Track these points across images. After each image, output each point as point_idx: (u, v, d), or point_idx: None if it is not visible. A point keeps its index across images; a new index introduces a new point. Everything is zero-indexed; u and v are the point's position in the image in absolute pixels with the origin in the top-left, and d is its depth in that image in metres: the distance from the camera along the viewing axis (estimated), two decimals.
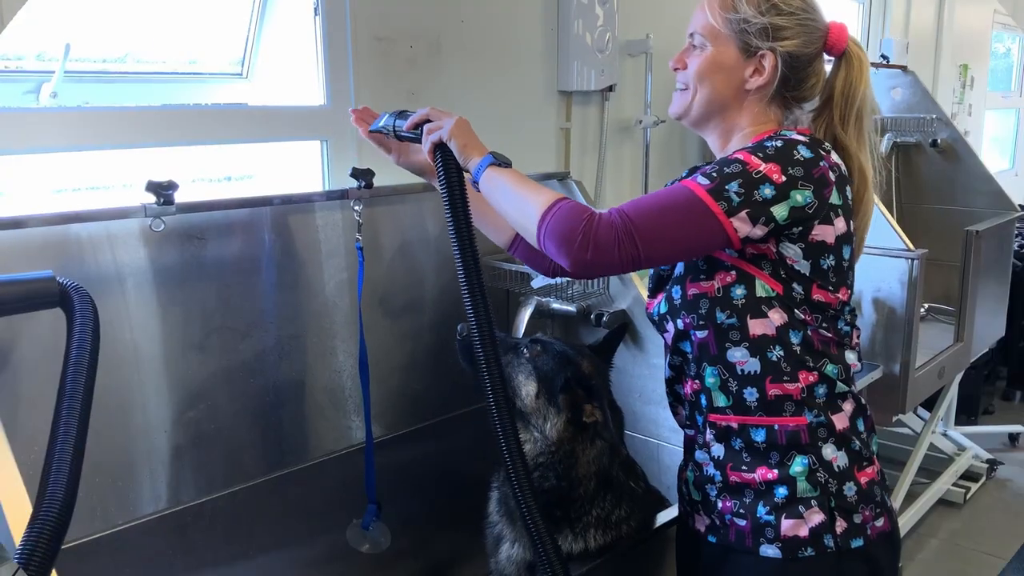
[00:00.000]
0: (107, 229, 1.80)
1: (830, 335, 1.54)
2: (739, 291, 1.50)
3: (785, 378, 1.52)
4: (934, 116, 4.56)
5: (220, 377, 2.01)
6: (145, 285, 1.87)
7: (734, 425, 1.56)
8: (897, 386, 3.23)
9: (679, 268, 1.59)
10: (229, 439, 2.03)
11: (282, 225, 2.07)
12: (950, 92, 6.23)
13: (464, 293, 1.51)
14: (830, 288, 1.52)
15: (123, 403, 1.86)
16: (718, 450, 1.59)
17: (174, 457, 1.95)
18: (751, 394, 1.53)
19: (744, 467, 1.56)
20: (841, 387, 1.56)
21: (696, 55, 1.58)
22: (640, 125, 3.42)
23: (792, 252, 1.47)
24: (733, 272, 1.50)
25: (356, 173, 2.13)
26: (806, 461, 1.52)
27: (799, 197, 1.43)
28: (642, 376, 2.39)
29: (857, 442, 1.57)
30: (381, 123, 1.71)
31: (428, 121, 1.60)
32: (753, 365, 1.52)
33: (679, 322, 1.58)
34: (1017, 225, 4.35)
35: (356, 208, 2.10)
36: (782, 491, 1.52)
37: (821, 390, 1.54)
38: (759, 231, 1.42)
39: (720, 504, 1.60)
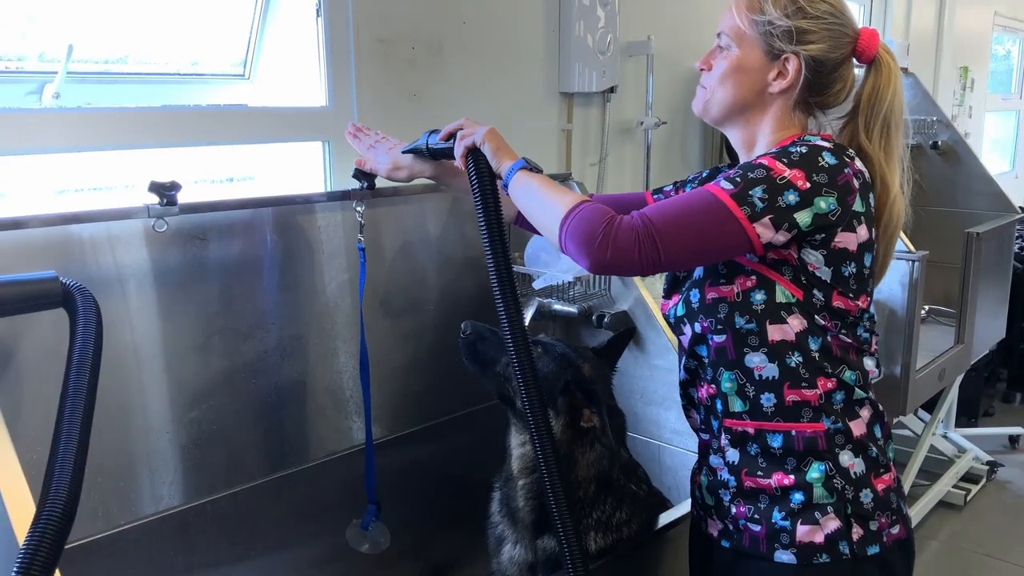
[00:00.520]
0: (109, 230, 1.79)
1: (849, 341, 1.53)
2: (759, 296, 1.49)
3: (803, 384, 1.51)
4: (934, 118, 4.56)
5: (222, 378, 2.01)
6: (147, 286, 1.87)
7: (750, 430, 1.55)
8: (898, 388, 3.23)
9: (698, 271, 1.58)
10: (231, 439, 2.03)
11: (284, 226, 2.08)
12: (950, 94, 6.24)
13: (496, 295, 1.53)
14: (850, 295, 1.51)
15: (125, 403, 1.86)
16: (733, 455, 1.59)
17: (176, 457, 1.95)
18: (768, 400, 1.52)
19: (760, 472, 1.55)
20: (859, 393, 1.55)
21: (722, 56, 1.57)
22: (641, 127, 3.42)
23: (814, 259, 1.46)
24: (753, 277, 1.49)
25: (358, 174, 2.13)
26: (823, 467, 1.52)
27: (823, 204, 1.42)
28: (643, 377, 2.39)
29: (874, 449, 1.56)
30: (416, 143, 1.76)
31: (461, 129, 1.63)
32: (771, 371, 1.51)
33: (696, 326, 1.57)
34: (1017, 227, 4.35)
35: (358, 209, 2.10)
36: (798, 497, 1.52)
37: (839, 396, 1.53)
38: (782, 237, 1.42)
39: (734, 509, 1.59)
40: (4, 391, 1.67)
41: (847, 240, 1.47)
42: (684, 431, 2.31)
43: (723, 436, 1.59)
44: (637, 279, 2.37)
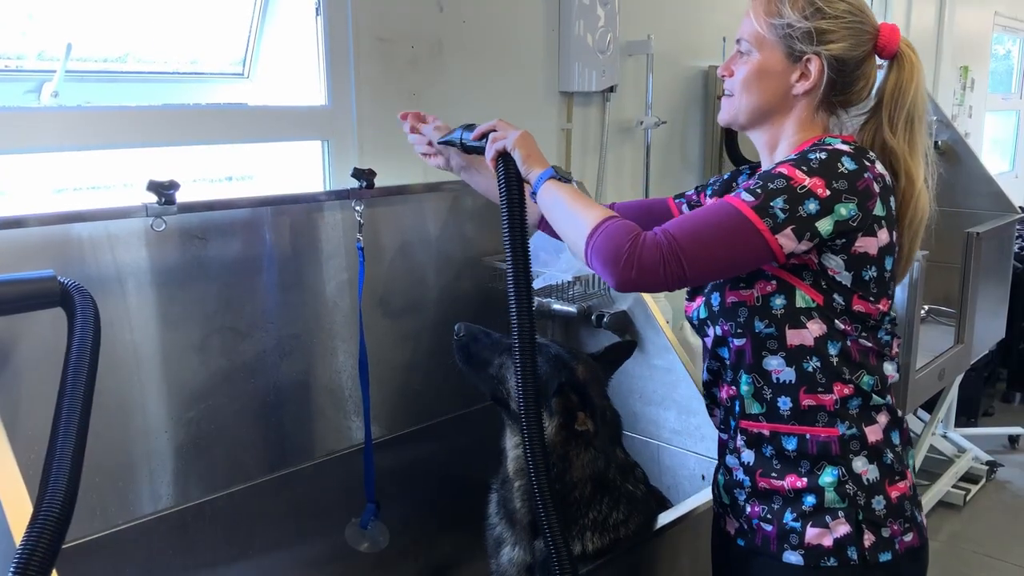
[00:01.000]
0: (108, 229, 1.79)
1: (870, 345, 1.54)
2: (779, 301, 1.49)
3: (820, 389, 1.51)
4: (934, 118, 4.54)
5: (220, 377, 2.00)
6: (146, 285, 1.87)
7: (765, 432, 1.56)
8: (897, 387, 3.21)
9: None
10: (229, 439, 2.03)
11: (283, 225, 2.07)
12: (950, 94, 6.24)
13: (511, 301, 1.54)
14: (871, 299, 1.51)
15: (124, 403, 1.86)
16: (748, 456, 1.59)
17: (174, 457, 1.95)
18: (785, 403, 1.53)
19: (774, 474, 1.56)
20: (876, 399, 1.55)
21: (743, 62, 1.57)
22: (641, 126, 3.42)
23: (834, 263, 1.46)
24: (774, 282, 1.49)
25: (357, 173, 2.13)
26: (836, 472, 1.52)
27: (843, 211, 1.42)
28: (642, 377, 2.39)
29: (890, 455, 1.56)
30: (451, 136, 1.76)
31: (494, 131, 1.64)
32: (789, 375, 1.52)
33: (717, 328, 1.58)
34: (1017, 227, 4.34)
35: (357, 208, 2.10)
36: (810, 500, 1.52)
37: (855, 402, 1.53)
38: (804, 246, 1.42)
39: (748, 509, 1.60)
40: (2, 390, 1.67)
41: (868, 244, 1.46)
42: (683, 431, 2.31)
43: (739, 437, 1.60)
44: None
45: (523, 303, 1.55)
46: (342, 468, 2.21)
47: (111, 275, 1.81)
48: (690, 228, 1.41)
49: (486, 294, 2.49)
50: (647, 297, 2.34)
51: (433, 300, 2.42)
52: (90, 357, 1.23)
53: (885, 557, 1.52)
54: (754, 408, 1.56)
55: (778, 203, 1.40)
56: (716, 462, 1.74)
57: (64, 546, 1.10)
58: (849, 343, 1.51)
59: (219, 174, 2.28)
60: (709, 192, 1.80)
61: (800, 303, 1.49)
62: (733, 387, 1.59)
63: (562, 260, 2.31)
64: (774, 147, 1.60)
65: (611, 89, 3.19)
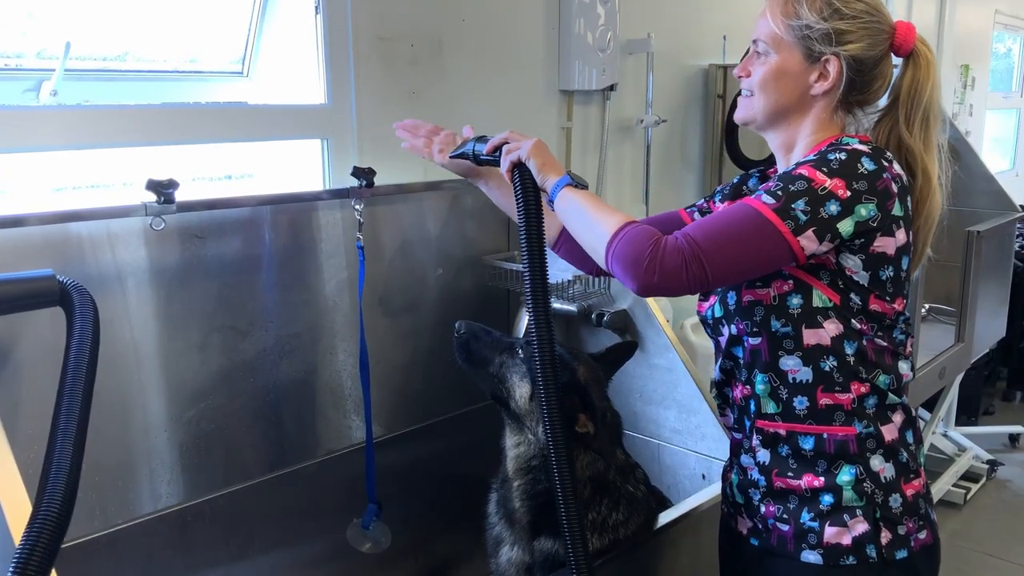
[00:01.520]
0: (107, 228, 1.80)
1: (885, 344, 1.54)
2: (795, 300, 1.49)
3: (837, 388, 1.51)
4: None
5: (220, 376, 2.00)
6: (145, 284, 1.87)
7: (782, 432, 1.56)
8: None
9: None
10: (229, 438, 2.03)
11: (282, 224, 2.07)
12: (951, 92, 6.23)
13: (529, 310, 1.53)
14: (887, 298, 1.51)
15: (123, 402, 1.86)
16: (764, 456, 1.59)
17: (174, 456, 1.95)
18: (801, 402, 1.53)
19: (790, 473, 1.56)
20: (892, 398, 1.55)
21: (760, 63, 1.56)
22: (641, 124, 3.41)
23: (852, 263, 1.46)
24: (790, 281, 1.49)
25: (357, 172, 2.13)
26: (853, 471, 1.52)
27: (863, 211, 1.42)
28: (643, 376, 2.39)
29: (905, 454, 1.56)
30: (463, 148, 1.75)
31: (507, 143, 1.62)
32: (805, 374, 1.51)
33: (732, 327, 1.57)
34: (1018, 226, 4.34)
35: (357, 207, 2.09)
36: (827, 499, 1.52)
37: (872, 401, 1.53)
38: (824, 247, 1.42)
39: (763, 508, 1.60)
40: (1, 390, 1.67)
41: (886, 244, 1.47)
42: (683, 430, 2.31)
43: (755, 436, 1.60)
44: None
45: (541, 313, 1.53)
46: (343, 467, 2.21)
47: (111, 274, 1.81)
48: (711, 231, 1.41)
49: (486, 292, 2.49)
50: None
51: (433, 299, 2.42)
52: (89, 356, 1.23)
53: (901, 555, 1.52)
54: (770, 407, 1.56)
55: (799, 205, 1.40)
56: (724, 462, 1.74)
57: (64, 545, 1.10)
58: (865, 342, 1.51)
59: (218, 173, 2.27)
60: (718, 199, 1.79)
61: (817, 302, 1.49)
62: (748, 386, 1.59)
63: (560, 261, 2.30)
64: (790, 148, 1.60)
65: (611, 88, 3.19)
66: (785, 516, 1.56)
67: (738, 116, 1.64)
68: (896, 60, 1.58)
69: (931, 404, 4.12)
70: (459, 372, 1.90)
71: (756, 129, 1.63)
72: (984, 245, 3.67)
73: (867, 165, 1.44)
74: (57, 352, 1.25)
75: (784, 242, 1.39)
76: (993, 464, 4.51)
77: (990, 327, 4.05)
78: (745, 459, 1.64)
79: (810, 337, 1.50)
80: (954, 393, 4.34)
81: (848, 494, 1.51)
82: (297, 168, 2.36)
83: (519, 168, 1.58)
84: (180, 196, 1.80)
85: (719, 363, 1.66)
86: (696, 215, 1.81)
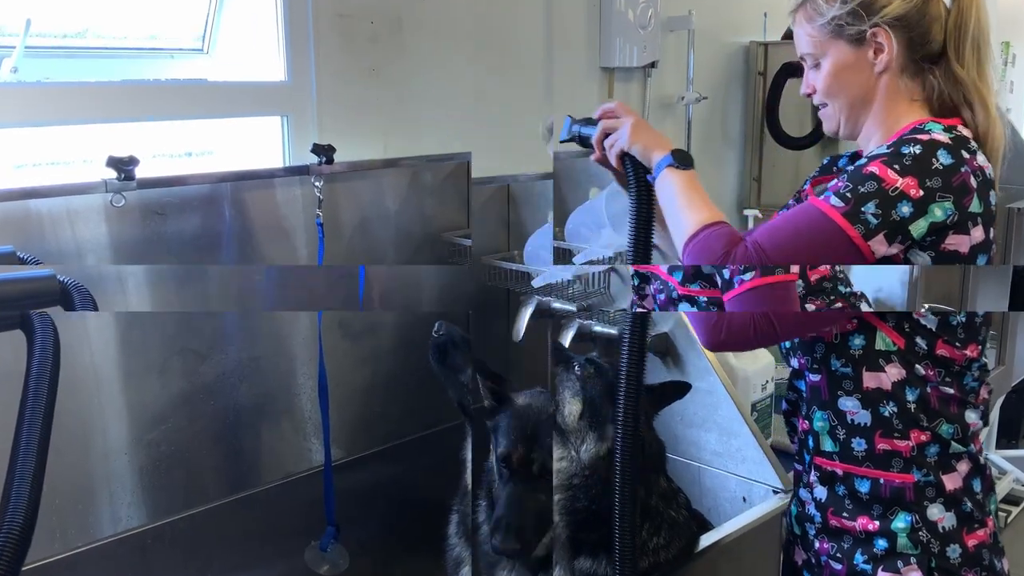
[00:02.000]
0: (67, 204, 1.80)
1: (952, 392, 1.49)
2: (858, 341, 1.47)
3: (895, 435, 1.48)
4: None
5: (180, 400, 1.99)
6: (105, 261, 1.88)
7: (839, 472, 1.54)
8: None
9: None
10: (190, 460, 2.02)
11: (242, 201, 2.08)
12: (992, 70, 6.21)
13: (625, 332, 1.47)
14: (957, 344, 1.47)
15: (83, 424, 1.85)
16: (820, 492, 1.59)
17: (134, 479, 1.94)
18: (860, 444, 1.51)
19: (845, 514, 1.54)
20: (956, 447, 1.51)
21: (817, 74, 1.54)
22: (682, 102, 3.44)
23: (920, 260, 1.41)
24: (855, 320, 1.46)
25: (317, 149, 2.15)
26: (909, 519, 1.49)
27: (938, 211, 1.37)
28: (684, 399, 2.14)
29: (969, 504, 1.52)
30: (568, 135, 1.67)
31: (607, 133, 1.56)
32: (864, 417, 1.49)
33: (794, 361, 1.57)
34: None
35: (316, 184, 2.12)
36: (882, 543, 1.51)
37: (933, 449, 1.50)
38: (895, 249, 1.38)
39: (818, 544, 1.60)
40: None
41: (959, 242, 1.41)
42: (724, 453, 2.22)
43: (813, 472, 1.60)
44: None
45: (636, 337, 1.45)
46: (301, 490, 2.20)
47: (70, 251, 1.82)
48: (777, 235, 1.37)
49: (486, 292, 2.49)
50: (687, 318, 2.19)
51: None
52: (50, 373, 1.18)
53: None
54: (827, 445, 1.54)
55: (869, 208, 1.35)
56: (766, 485, 1.75)
57: (24, 568, 1.04)
58: (929, 390, 1.47)
59: (179, 150, 2.29)
60: (807, 185, 1.72)
61: (880, 345, 1.46)
62: (807, 421, 1.58)
63: (604, 236, 2.24)
64: (871, 136, 1.55)
65: (652, 65, 3.21)
66: (839, 555, 1.55)
67: (827, 129, 1.60)
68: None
69: None
70: (418, 392, 1.83)
71: (849, 137, 1.59)
72: None
73: (943, 159, 1.38)
74: (16, 376, 1.22)
75: (853, 247, 1.35)
76: None
77: None
78: (803, 492, 1.64)
79: (870, 380, 1.47)
80: (995, 416, 4.24)
81: (902, 541, 1.49)
82: (257, 145, 2.38)
83: (627, 158, 1.50)
84: (140, 173, 1.80)
85: (787, 394, 1.66)
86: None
